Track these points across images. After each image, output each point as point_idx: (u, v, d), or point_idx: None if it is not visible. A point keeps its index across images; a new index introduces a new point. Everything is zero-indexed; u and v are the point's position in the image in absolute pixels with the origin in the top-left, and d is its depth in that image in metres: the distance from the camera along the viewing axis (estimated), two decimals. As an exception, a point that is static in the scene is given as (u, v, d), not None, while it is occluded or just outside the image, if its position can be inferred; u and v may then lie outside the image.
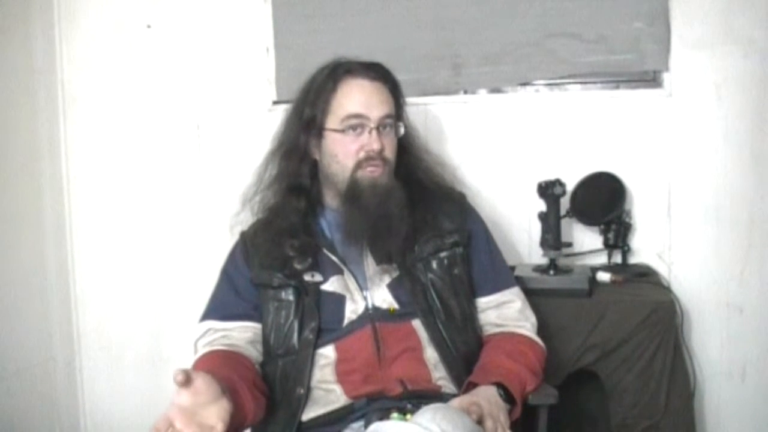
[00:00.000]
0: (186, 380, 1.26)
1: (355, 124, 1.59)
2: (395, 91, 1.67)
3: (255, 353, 1.61)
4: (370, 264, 1.62)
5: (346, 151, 1.59)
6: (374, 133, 1.58)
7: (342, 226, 1.62)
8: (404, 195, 1.61)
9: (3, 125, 2.16)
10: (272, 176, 1.70)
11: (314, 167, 1.68)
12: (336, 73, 1.62)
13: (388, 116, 1.61)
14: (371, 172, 1.59)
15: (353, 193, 1.59)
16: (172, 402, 1.27)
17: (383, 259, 1.61)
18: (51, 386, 2.32)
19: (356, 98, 1.60)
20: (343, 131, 1.59)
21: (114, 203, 2.35)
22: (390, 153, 1.62)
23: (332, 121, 1.61)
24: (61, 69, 2.33)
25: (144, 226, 2.35)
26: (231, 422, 1.31)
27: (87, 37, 2.32)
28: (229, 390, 1.34)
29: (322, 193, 1.68)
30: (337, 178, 1.62)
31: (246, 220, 1.73)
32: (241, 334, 1.61)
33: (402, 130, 1.66)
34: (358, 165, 1.59)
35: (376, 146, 1.58)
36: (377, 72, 1.64)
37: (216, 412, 1.29)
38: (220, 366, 1.47)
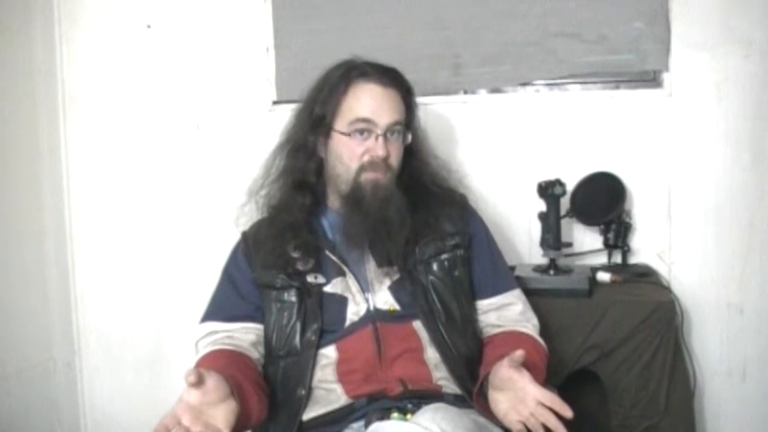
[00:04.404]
0: (198, 381, 1.27)
1: (363, 128, 1.59)
2: (408, 98, 1.67)
3: (257, 354, 1.61)
4: (371, 266, 1.62)
5: (351, 154, 1.59)
6: (380, 139, 1.58)
7: (343, 229, 1.62)
8: (404, 201, 1.61)
9: (3, 125, 2.16)
10: (279, 171, 1.70)
11: (320, 166, 1.68)
12: (350, 74, 1.62)
13: (396, 123, 1.61)
14: (373, 175, 1.59)
15: (355, 197, 1.59)
16: (180, 399, 1.28)
17: (384, 261, 1.61)
18: (51, 386, 2.32)
19: (366, 103, 1.60)
20: (349, 134, 1.59)
21: (114, 203, 2.35)
22: (394, 160, 1.62)
23: (340, 123, 1.61)
24: (61, 69, 2.33)
25: (144, 226, 2.35)
26: (236, 423, 1.32)
27: (87, 37, 2.32)
28: (236, 390, 1.35)
29: (325, 193, 1.68)
30: (341, 179, 1.62)
31: (251, 213, 1.73)
32: (243, 336, 1.61)
33: (409, 139, 1.66)
34: (362, 168, 1.59)
35: (381, 153, 1.58)
36: (391, 78, 1.63)
37: (223, 413, 1.30)
38: (226, 365, 1.47)
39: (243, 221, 1.74)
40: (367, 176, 1.59)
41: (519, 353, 1.36)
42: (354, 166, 1.59)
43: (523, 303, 1.69)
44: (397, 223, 1.58)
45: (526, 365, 1.40)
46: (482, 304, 1.67)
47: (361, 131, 1.59)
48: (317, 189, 1.67)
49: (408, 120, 1.67)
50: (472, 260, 1.67)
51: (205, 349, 1.59)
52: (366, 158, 1.59)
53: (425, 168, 1.72)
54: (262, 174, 1.72)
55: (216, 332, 1.61)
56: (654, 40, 2.06)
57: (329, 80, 1.64)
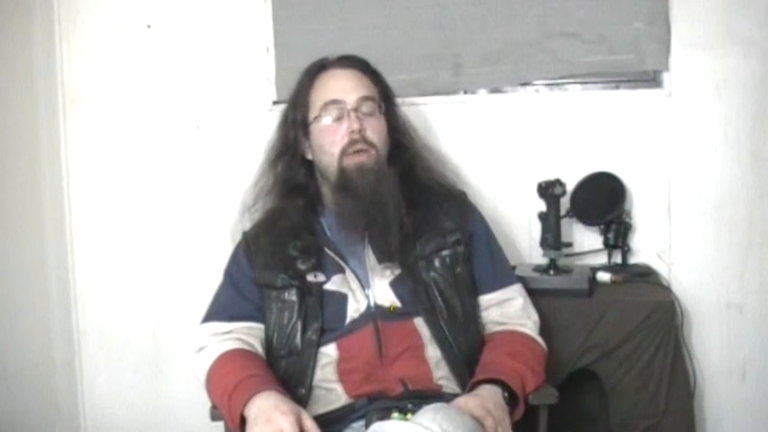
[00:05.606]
0: None
1: (333, 109, 1.62)
2: (377, 80, 1.70)
3: (261, 354, 1.61)
4: (371, 262, 1.62)
5: (332, 140, 1.62)
6: (352, 114, 1.61)
7: (336, 216, 1.63)
8: (397, 181, 1.62)
9: (3, 125, 2.16)
10: (269, 182, 1.73)
11: (310, 168, 1.70)
12: (311, 70, 1.69)
13: (365, 98, 1.64)
14: (357, 158, 1.60)
15: (343, 182, 1.60)
16: None
17: (384, 256, 1.61)
18: (51, 386, 2.32)
19: (330, 86, 1.64)
20: (323, 117, 1.62)
21: (114, 203, 2.35)
22: (373, 134, 1.63)
23: (313, 113, 1.65)
24: (61, 69, 2.33)
25: (144, 226, 2.35)
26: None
27: (87, 37, 2.31)
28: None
29: (320, 192, 1.69)
30: (329, 170, 1.64)
31: (250, 217, 1.74)
32: (245, 336, 1.61)
33: (383, 107, 1.67)
34: (344, 152, 1.61)
35: (355, 125, 1.60)
36: (351, 61, 1.69)
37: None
38: (250, 366, 1.50)
39: (238, 238, 1.75)
40: (350, 161, 1.60)
41: None
42: (336, 151, 1.61)
43: (523, 298, 1.69)
44: (392, 206, 1.59)
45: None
46: (483, 299, 1.68)
47: (333, 113, 1.62)
48: (309, 189, 1.69)
49: (383, 99, 1.68)
50: (472, 256, 1.68)
51: (219, 345, 1.58)
52: (346, 140, 1.60)
53: (419, 162, 1.73)
54: (254, 187, 1.75)
55: (218, 332, 1.62)
56: (654, 40, 2.06)
57: (298, 84, 1.70)
